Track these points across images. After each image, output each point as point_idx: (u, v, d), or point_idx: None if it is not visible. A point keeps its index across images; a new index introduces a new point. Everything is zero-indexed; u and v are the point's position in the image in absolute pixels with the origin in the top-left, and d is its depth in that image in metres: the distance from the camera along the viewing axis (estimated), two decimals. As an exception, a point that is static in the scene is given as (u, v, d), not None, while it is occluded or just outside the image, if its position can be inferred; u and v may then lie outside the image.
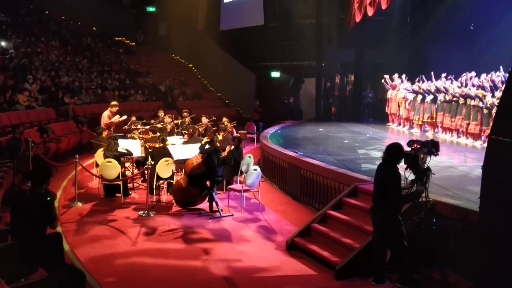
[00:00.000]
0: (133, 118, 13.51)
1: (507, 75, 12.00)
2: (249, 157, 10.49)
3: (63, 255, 5.37)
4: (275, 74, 22.24)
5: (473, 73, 13.33)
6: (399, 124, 16.14)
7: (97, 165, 10.60)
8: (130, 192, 10.29)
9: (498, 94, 11.50)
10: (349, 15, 17.67)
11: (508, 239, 4.80)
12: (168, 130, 12.59)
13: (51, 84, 17.95)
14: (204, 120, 13.07)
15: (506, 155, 4.79)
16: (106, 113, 12.27)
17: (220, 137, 11.55)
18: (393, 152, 5.91)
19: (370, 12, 15.84)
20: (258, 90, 23.30)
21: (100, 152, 10.41)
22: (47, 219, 4.83)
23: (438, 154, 6.13)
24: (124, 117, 12.60)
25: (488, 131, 9.97)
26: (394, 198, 5.79)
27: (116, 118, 12.25)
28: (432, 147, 5.99)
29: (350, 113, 19.17)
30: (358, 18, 16.90)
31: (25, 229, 4.70)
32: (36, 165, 5.26)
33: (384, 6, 14.81)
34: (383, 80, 16.56)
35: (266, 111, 20.90)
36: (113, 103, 12.59)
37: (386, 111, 16.86)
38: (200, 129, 12.55)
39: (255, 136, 17.11)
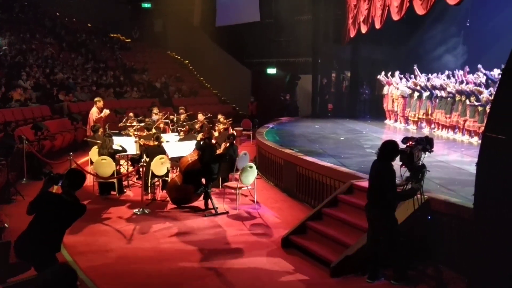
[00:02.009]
0: (131, 114, 13.46)
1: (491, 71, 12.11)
2: (245, 154, 10.47)
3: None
4: (271, 71, 22.19)
5: (466, 68, 13.36)
6: (396, 121, 16.15)
7: (91, 162, 10.55)
8: (125, 190, 10.25)
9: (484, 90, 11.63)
10: (344, 30, 17.73)
11: (502, 235, 4.80)
12: (162, 128, 12.53)
13: (45, 81, 17.87)
14: (201, 117, 13.03)
15: (500, 153, 4.78)
16: (94, 110, 12.26)
17: (216, 134, 11.51)
18: (389, 149, 5.90)
19: (364, 29, 15.89)
20: (254, 86, 23.26)
21: (95, 150, 10.37)
22: (74, 222, 4.85)
23: (432, 151, 6.10)
24: (107, 111, 12.57)
25: (482, 128, 9.98)
26: (389, 195, 5.78)
27: (105, 112, 12.22)
28: (427, 143, 5.97)
29: (346, 109, 19.15)
30: (352, 33, 16.96)
31: (51, 231, 4.68)
32: (72, 169, 5.10)
33: (378, 25, 14.85)
34: (378, 76, 16.57)
35: (262, 108, 20.86)
36: (97, 99, 12.64)
37: (384, 107, 16.87)
38: (197, 126, 12.51)
39: (251, 133, 17.08)
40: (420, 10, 12.35)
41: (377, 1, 14.85)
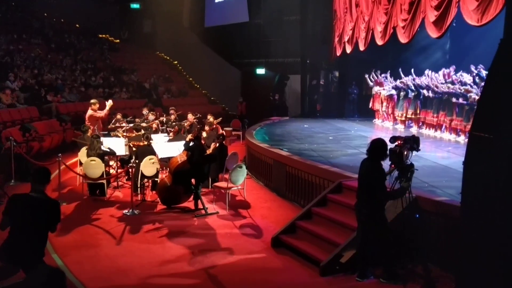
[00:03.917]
0: (118, 116, 13.40)
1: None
2: (234, 154, 10.48)
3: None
4: (260, 71, 22.23)
5: (452, 68, 13.49)
6: (384, 120, 16.27)
7: (81, 163, 10.50)
8: (106, 194, 9.86)
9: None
10: (330, 47, 17.93)
11: (489, 233, 4.87)
12: (154, 128, 12.51)
13: (33, 82, 17.73)
14: (190, 117, 13.01)
15: (487, 151, 4.84)
16: (90, 113, 12.15)
17: (204, 134, 11.51)
18: (378, 148, 5.91)
19: (349, 49, 16.04)
20: (244, 87, 23.27)
21: (84, 151, 10.31)
22: (53, 221, 4.82)
23: (419, 150, 6.17)
24: (110, 101, 12.56)
25: (469, 127, 10.08)
26: (379, 194, 5.80)
27: (110, 104, 12.31)
28: (414, 142, 6.03)
29: (335, 109, 19.24)
30: (338, 52, 17.15)
31: (29, 231, 4.65)
32: (36, 166, 5.16)
33: (362, 47, 15.01)
34: (366, 76, 16.68)
35: (252, 108, 20.89)
36: (93, 101, 12.51)
37: (371, 107, 16.98)
38: (186, 125, 12.50)
39: (241, 133, 17.10)
40: (403, 38, 12.48)
41: (361, 23, 15.00)
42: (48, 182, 4.96)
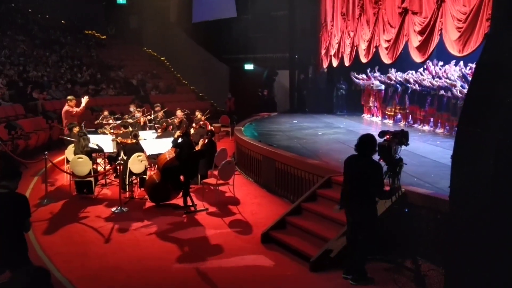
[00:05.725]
0: (105, 113, 13.29)
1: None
2: (223, 150, 10.45)
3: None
4: (249, 67, 22.20)
5: (437, 62, 13.55)
6: (372, 115, 16.32)
7: (68, 161, 10.39)
8: (94, 192, 9.78)
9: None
10: (318, 59, 17.98)
11: (477, 226, 4.89)
12: (142, 124, 12.43)
13: (18, 79, 17.50)
14: (179, 113, 12.94)
15: (475, 145, 4.85)
16: (66, 108, 11.92)
17: (192, 131, 11.46)
18: (368, 143, 5.83)
19: (335, 63, 16.06)
20: (232, 82, 23.21)
21: (71, 148, 10.22)
22: (21, 216, 4.71)
23: (408, 144, 6.16)
24: (86, 97, 12.35)
25: (457, 121, 10.11)
26: (378, 190, 5.73)
27: (86, 99, 12.09)
28: (402, 137, 6.02)
29: (323, 104, 19.25)
30: (325, 64, 17.20)
31: (4, 229, 4.57)
32: (2, 162, 5.03)
33: (347, 63, 15.08)
34: (351, 75, 16.71)
35: (240, 104, 20.85)
36: (69, 97, 12.31)
37: (362, 103, 17.01)
38: (176, 121, 12.43)
39: (230, 129, 17.06)
40: (386, 59, 12.51)
41: (346, 38, 15.01)
42: (14, 177, 4.81)
